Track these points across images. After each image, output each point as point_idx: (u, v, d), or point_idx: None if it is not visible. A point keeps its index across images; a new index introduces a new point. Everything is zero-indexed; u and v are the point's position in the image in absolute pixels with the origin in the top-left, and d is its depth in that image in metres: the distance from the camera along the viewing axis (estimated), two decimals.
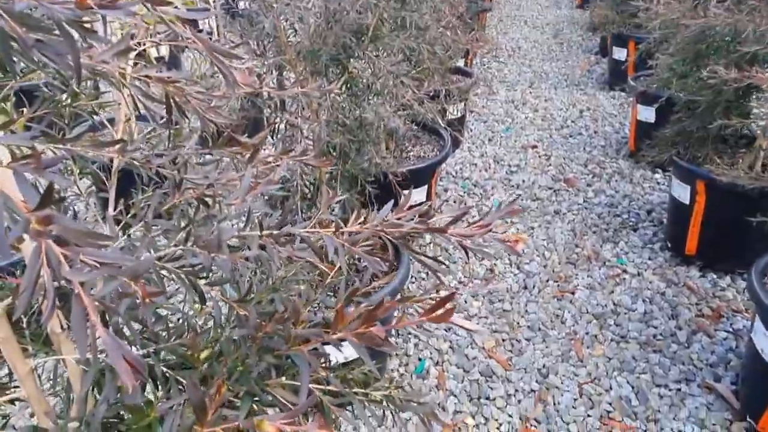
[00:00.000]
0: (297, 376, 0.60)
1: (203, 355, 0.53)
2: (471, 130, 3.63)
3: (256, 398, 0.58)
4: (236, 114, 1.35)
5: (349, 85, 1.46)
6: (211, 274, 0.57)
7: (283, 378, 0.60)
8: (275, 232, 0.54)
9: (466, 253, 0.62)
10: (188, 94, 0.61)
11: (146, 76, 0.59)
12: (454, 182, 3.02)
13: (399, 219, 0.61)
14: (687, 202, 2.20)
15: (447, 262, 2.38)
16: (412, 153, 2.41)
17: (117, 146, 0.53)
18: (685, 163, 2.17)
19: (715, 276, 2.23)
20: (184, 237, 0.53)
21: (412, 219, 0.61)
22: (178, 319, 0.62)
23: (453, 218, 0.62)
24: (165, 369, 0.61)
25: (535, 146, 3.39)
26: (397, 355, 1.92)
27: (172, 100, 0.60)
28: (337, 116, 1.31)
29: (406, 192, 2.27)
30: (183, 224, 0.56)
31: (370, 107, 1.24)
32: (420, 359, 1.90)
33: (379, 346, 0.48)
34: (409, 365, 1.88)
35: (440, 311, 0.55)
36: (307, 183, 1.49)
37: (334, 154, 1.34)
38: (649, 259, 2.35)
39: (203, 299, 0.57)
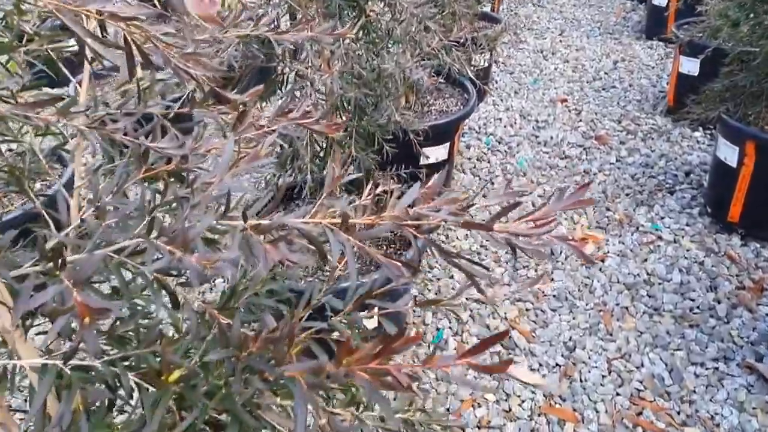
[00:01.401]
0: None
1: (173, 377, 0.42)
2: (496, 82, 3.41)
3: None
4: (237, 63, 1.20)
5: (366, 31, 1.29)
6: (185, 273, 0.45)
7: (277, 399, 0.48)
8: (263, 222, 0.41)
9: (514, 252, 0.49)
10: (154, 36, 0.47)
11: (98, 12, 0.45)
12: (477, 138, 2.84)
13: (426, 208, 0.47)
14: (734, 164, 2.01)
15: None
16: (434, 107, 2.24)
17: (55, 107, 0.40)
18: (734, 122, 1.97)
19: (758, 245, 2.07)
20: (146, 227, 0.41)
21: (440, 210, 0.48)
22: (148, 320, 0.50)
23: (499, 212, 0.48)
24: (136, 380, 0.49)
25: (564, 100, 3.17)
26: (414, 323, 1.82)
27: (133, 45, 0.46)
28: (353, 66, 1.16)
29: (426, 150, 2.10)
30: (147, 207, 0.43)
31: (390, 56, 1.08)
32: (438, 329, 1.80)
33: (398, 390, 0.35)
34: (427, 335, 1.78)
35: (494, 362, 0.42)
36: (320, 140, 1.35)
37: (349, 108, 1.19)
38: (687, 225, 2.19)
39: (176, 304, 0.45)
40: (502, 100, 3.20)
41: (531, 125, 2.94)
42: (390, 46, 1.17)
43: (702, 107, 2.08)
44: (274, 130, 0.50)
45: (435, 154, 2.18)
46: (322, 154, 1.38)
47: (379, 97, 1.15)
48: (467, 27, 1.80)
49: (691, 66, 2.70)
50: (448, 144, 2.20)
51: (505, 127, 2.94)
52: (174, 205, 0.43)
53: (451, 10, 1.61)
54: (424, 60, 1.49)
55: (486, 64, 3.03)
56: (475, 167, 2.60)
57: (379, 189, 0.67)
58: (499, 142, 2.81)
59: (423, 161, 2.17)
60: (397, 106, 1.13)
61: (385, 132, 1.35)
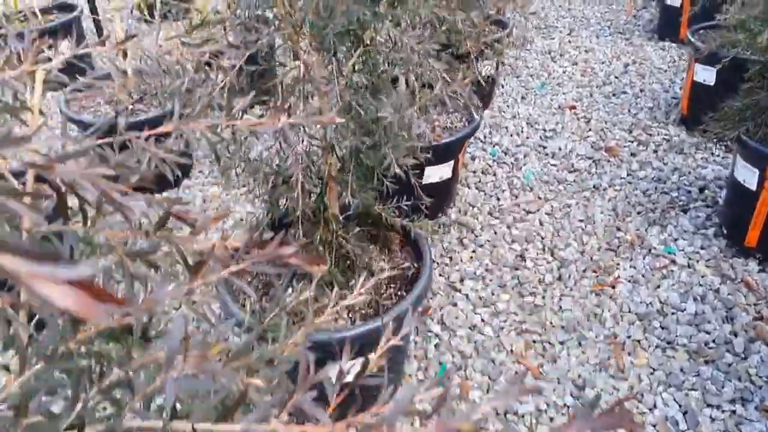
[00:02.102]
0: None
1: None
2: (502, 87, 3.30)
3: None
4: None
5: (365, 62, 1.19)
6: None
7: None
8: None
9: None
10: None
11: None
12: (483, 148, 2.74)
13: None
14: (753, 187, 1.91)
15: (473, 245, 2.16)
16: (437, 123, 2.14)
17: None
18: (755, 144, 1.87)
19: None
20: None
21: None
22: None
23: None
24: None
25: (573, 107, 3.06)
26: (416, 356, 1.74)
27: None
28: (350, 106, 1.06)
29: (429, 169, 2.00)
30: None
31: (389, 101, 0.99)
32: (441, 363, 1.72)
33: None
34: (429, 369, 1.70)
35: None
36: (312, 175, 1.26)
37: (345, 154, 1.10)
38: (702, 248, 2.09)
39: None
40: (508, 106, 3.09)
41: (538, 134, 2.84)
42: (387, 84, 1.08)
43: (720, 125, 1.98)
44: (243, 270, 0.42)
45: (438, 173, 2.09)
46: (312, 210, 1.29)
47: (378, 143, 1.06)
48: (474, 45, 1.70)
49: (707, 75, 2.58)
50: (452, 162, 2.11)
51: (511, 136, 2.84)
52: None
53: (456, 29, 1.50)
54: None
55: (492, 70, 2.91)
56: (480, 181, 2.51)
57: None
58: (506, 153, 2.71)
59: (426, 180, 2.08)
60: (398, 154, 1.04)
61: (386, 169, 1.26)
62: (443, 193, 2.22)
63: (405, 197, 1.49)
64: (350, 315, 1.37)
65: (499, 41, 2.33)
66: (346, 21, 0.99)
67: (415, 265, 1.51)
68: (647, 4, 4.32)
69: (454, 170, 2.17)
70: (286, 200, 1.29)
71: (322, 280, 1.36)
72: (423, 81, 1.14)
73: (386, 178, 1.31)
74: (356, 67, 1.14)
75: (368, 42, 1.16)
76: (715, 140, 2.10)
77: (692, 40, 2.64)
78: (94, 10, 3.73)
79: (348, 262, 1.44)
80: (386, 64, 1.20)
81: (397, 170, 1.03)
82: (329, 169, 1.27)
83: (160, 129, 0.54)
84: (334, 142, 1.06)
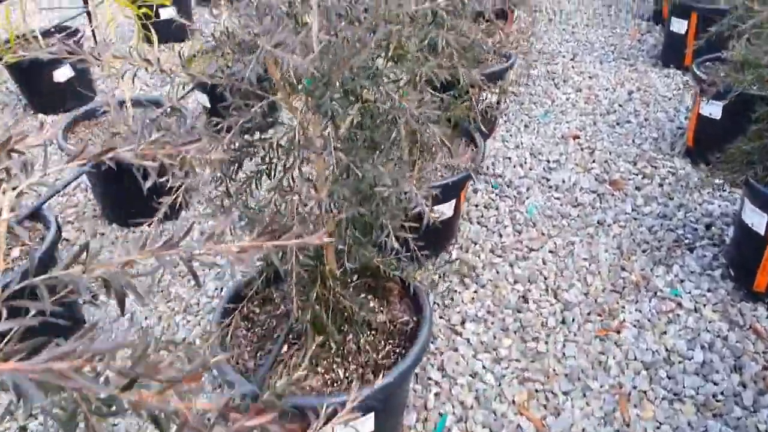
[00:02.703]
0: None
1: None
2: (505, 114, 3.27)
3: None
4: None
5: (362, 115, 1.16)
6: None
7: None
8: None
9: None
10: None
11: None
12: (485, 180, 2.70)
13: None
14: (762, 232, 1.87)
15: (475, 285, 2.12)
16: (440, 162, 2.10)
17: None
18: (764, 188, 1.83)
19: None
20: None
21: None
22: None
23: None
24: None
25: (577, 136, 3.02)
26: (415, 406, 1.69)
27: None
28: (348, 172, 1.03)
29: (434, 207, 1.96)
30: None
31: (387, 169, 0.95)
32: (441, 414, 1.67)
33: None
34: (429, 421, 1.66)
35: None
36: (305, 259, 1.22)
37: (341, 225, 1.07)
38: (709, 290, 2.05)
39: None
40: (511, 135, 3.06)
41: (542, 165, 2.80)
42: (382, 152, 1.04)
43: (728, 167, 1.94)
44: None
45: (439, 211, 2.05)
46: (312, 254, 1.25)
47: (375, 212, 1.02)
48: (476, 92, 1.68)
49: (713, 109, 2.55)
50: (453, 201, 2.07)
51: (514, 167, 2.81)
52: None
53: (459, 76, 1.47)
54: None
55: (495, 100, 2.88)
56: (482, 216, 2.47)
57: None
58: (508, 186, 2.67)
59: (425, 221, 2.04)
60: (395, 226, 1.00)
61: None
62: (444, 231, 2.18)
63: (404, 248, 1.46)
64: (347, 375, 1.32)
65: (502, 75, 2.30)
66: (341, 90, 0.96)
67: (414, 318, 1.47)
68: (651, 28, 4.30)
69: (456, 208, 2.13)
70: (281, 256, 1.25)
71: (318, 337, 1.32)
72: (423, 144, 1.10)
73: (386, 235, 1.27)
74: (354, 121, 1.11)
75: (366, 99, 1.13)
76: (722, 182, 2.06)
77: (698, 73, 2.61)
78: (94, 32, 3.72)
79: (345, 314, 1.40)
80: (384, 121, 1.17)
81: (395, 244, 1.00)
82: (326, 228, 1.23)
83: None
84: (332, 208, 1.02)
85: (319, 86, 0.93)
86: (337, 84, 0.95)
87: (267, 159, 1.17)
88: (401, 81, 1.12)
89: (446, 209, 2.07)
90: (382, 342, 1.41)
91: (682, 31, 3.49)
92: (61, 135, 2.39)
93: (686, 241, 2.29)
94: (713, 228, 2.34)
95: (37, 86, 3.48)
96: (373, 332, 1.43)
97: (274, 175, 1.19)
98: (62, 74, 3.39)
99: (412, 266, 1.48)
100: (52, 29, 3.65)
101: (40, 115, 3.55)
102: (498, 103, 2.05)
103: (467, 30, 1.28)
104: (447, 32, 1.05)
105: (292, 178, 1.01)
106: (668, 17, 3.60)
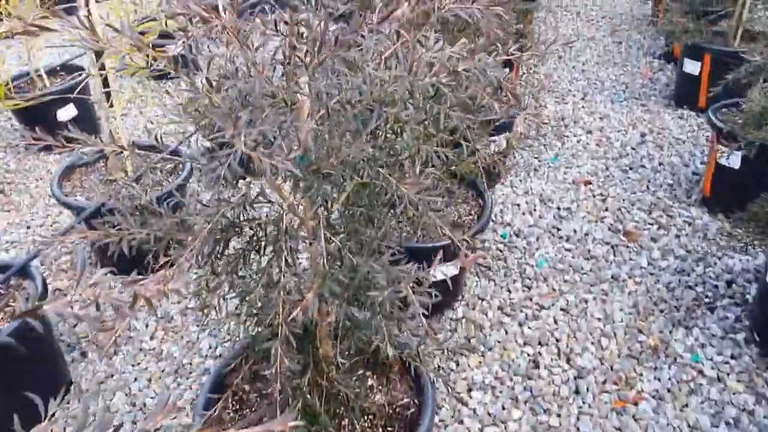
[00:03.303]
0: None
1: None
2: (513, 157, 3.18)
3: None
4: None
5: (357, 194, 1.07)
6: None
7: None
8: None
9: None
10: None
11: None
12: (493, 229, 2.60)
13: None
14: None
15: (482, 347, 2.00)
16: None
17: None
18: None
19: None
20: None
21: None
22: None
23: None
24: None
25: (588, 182, 2.93)
26: None
27: None
28: (341, 261, 0.94)
29: (433, 269, 1.86)
30: None
31: (383, 264, 0.86)
32: None
33: None
34: None
35: None
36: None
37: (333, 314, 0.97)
38: (732, 357, 1.92)
39: None
40: (520, 180, 2.96)
41: (552, 213, 2.70)
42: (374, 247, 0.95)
43: (749, 228, 1.83)
44: None
45: (445, 271, 1.95)
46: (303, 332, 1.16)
47: (369, 314, 0.93)
48: (482, 161, 1.60)
49: (732, 159, 2.44)
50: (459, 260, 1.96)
51: (523, 215, 2.71)
52: None
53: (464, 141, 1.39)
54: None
55: (504, 143, 2.80)
56: (489, 269, 2.36)
57: None
58: (517, 235, 2.57)
59: (435, 278, 1.94)
60: (391, 331, 0.90)
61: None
62: (450, 288, 2.07)
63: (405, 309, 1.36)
64: None
65: (509, 127, 2.22)
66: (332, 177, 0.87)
67: (416, 401, 1.36)
68: (663, 67, 4.22)
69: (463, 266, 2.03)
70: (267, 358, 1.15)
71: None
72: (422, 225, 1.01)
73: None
74: (349, 199, 1.02)
75: (361, 180, 1.04)
76: (745, 244, 1.95)
77: (714, 120, 2.52)
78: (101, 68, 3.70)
79: (340, 397, 1.29)
80: (381, 202, 1.08)
81: (390, 352, 0.90)
82: (318, 313, 1.14)
83: None
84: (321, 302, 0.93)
85: (308, 176, 0.84)
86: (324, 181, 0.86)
87: (254, 238, 1.08)
88: (400, 156, 1.04)
89: (451, 268, 1.96)
90: (380, 429, 1.30)
91: (696, 73, 3.40)
92: (56, 182, 2.33)
93: (706, 300, 2.17)
94: (734, 285, 2.22)
95: (41, 125, 3.44)
96: (370, 417, 1.33)
97: (263, 254, 1.10)
98: (66, 113, 3.36)
99: (415, 334, 1.37)
100: (58, 68, 3.64)
101: (42, 154, 3.51)
102: (505, 156, 1.97)
103: (472, 95, 1.20)
104: (450, 108, 0.97)
105: (279, 268, 0.92)
106: (681, 58, 3.53)
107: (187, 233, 0.95)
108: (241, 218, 1.04)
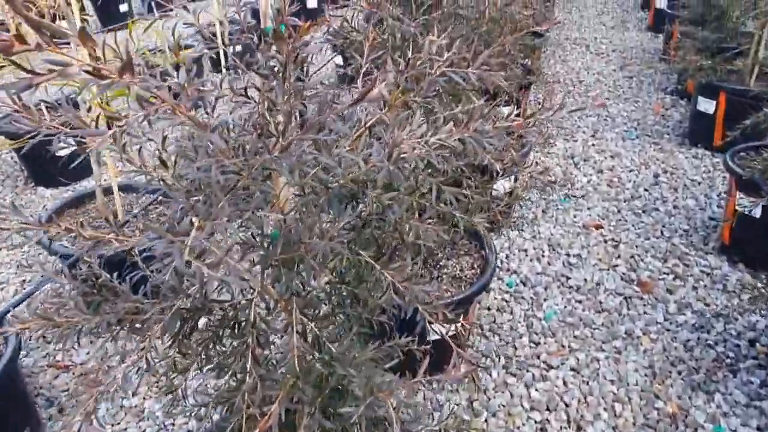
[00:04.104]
0: None
1: None
2: (522, 199, 3.06)
3: None
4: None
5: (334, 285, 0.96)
6: None
7: None
8: None
9: None
10: None
11: None
12: (499, 277, 2.47)
13: None
14: None
15: (485, 412, 1.86)
16: (445, 270, 1.89)
17: None
18: None
19: None
20: None
21: None
22: None
23: None
24: None
25: (599, 226, 2.80)
26: None
27: None
28: (316, 345, 0.82)
29: (435, 326, 1.74)
30: None
31: (363, 361, 0.74)
32: None
33: None
34: None
35: None
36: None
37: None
38: (758, 429, 1.76)
39: None
40: (527, 223, 2.84)
41: (561, 260, 2.57)
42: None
43: None
44: None
45: (443, 330, 1.81)
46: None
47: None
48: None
49: (752, 206, 2.31)
50: (461, 318, 1.84)
51: (531, 261, 2.58)
52: None
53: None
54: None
55: (510, 188, 2.69)
56: (494, 321, 2.22)
57: None
58: (524, 284, 2.43)
59: (431, 337, 1.81)
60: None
61: None
62: (450, 347, 1.94)
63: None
64: None
65: (516, 169, 2.11)
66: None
67: None
68: (676, 103, 4.11)
69: (465, 319, 1.90)
70: None
71: None
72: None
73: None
74: (328, 287, 0.90)
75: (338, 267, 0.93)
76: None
77: (732, 165, 2.39)
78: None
79: None
80: (365, 286, 0.97)
81: None
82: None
83: None
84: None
85: (275, 269, 0.73)
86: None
87: (226, 318, 0.97)
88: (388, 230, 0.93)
89: (452, 327, 1.83)
90: None
91: (710, 111, 3.29)
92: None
93: (728, 361, 2.01)
94: (758, 344, 2.07)
95: (39, 159, 3.39)
96: None
97: (238, 333, 0.98)
98: (64, 149, 3.30)
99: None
100: (57, 101, 3.60)
101: (40, 188, 3.44)
102: (509, 206, 1.86)
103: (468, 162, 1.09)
104: (446, 182, 0.86)
105: (245, 367, 0.80)
106: (694, 96, 3.42)
107: (144, 323, 0.84)
108: (208, 298, 0.93)
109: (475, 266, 1.91)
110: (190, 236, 0.58)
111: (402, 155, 0.64)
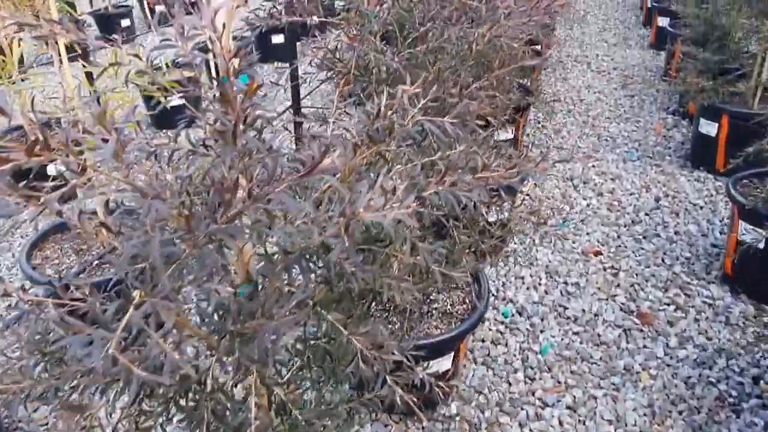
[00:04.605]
0: None
1: None
2: (517, 223, 2.99)
3: None
4: None
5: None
6: None
7: None
8: None
9: None
10: None
11: None
12: (494, 306, 2.40)
13: None
14: None
15: None
16: (435, 305, 1.82)
17: None
18: None
19: None
20: None
21: None
22: None
23: None
24: None
25: (599, 252, 2.73)
26: None
27: None
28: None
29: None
30: None
31: None
32: None
33: None
34: None
35: None
36: None
37: None
38: None
39: None
40: (525, 249, 2.77)
41: (559, 289, 2.50)
42: None
43: None
44: None
45: (435, 367, 1.75)
46: None
47: None
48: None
49: (755, 236, 2.24)
50: (451, 354, 1.77)
51: (527, 289, 2.50)
52: None
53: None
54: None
55: (506, 216, 2.62)
56: (488, 354, 2.15)
57: None
58: (520, 314, 2.36)
59: (418, 377, 1.74)
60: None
61: None
62: (441, 382, 1.86)
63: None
64: None
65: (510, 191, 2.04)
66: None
67: None
68: (678, 123, 4.05)
69: (455, 360, 1.83)
70: None
71: None
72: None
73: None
74: (293, 361, 0.84)
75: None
76: None
77: (735, 194, 2.32)
78: None
79: None
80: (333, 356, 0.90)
81: None
82: None
83: None
84: None
85: (227, 336, 0.67)
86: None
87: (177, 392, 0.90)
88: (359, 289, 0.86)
89: (443, 363, 1.77)
90: None
91: (713, 134, 3.23)
92: (26, 251, 2.19)
93: (730, 400, 1.93)
94: (762, 382, 1.99)
95: (30, 179, 3.35)
96: None
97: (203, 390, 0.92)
98: (55, 168, 3.26)
99: None
100: (52, 121, 3.57)
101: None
102: (502, 240, 1.80)
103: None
104: (426, 229, 0.80)
105: None
106: (696, 118, 3.36)
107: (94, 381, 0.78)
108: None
109: (467, 300, 1.84)
110: (122, 323, 0.52)
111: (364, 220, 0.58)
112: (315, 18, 1.18)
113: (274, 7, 1.26)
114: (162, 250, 0.57)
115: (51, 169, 3.27)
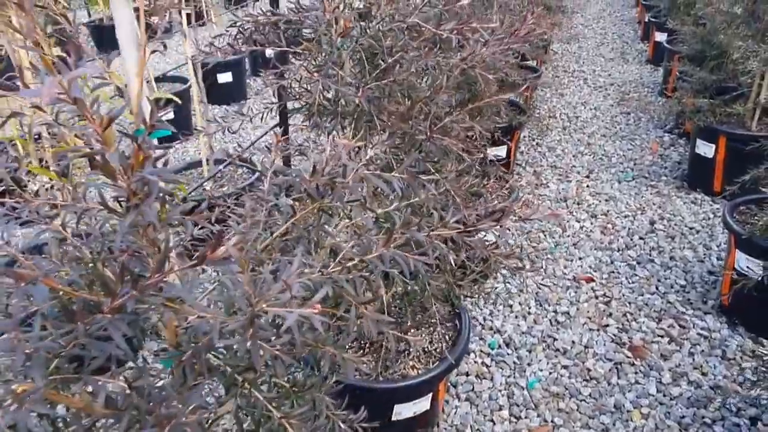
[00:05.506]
0: None
1: None
2: (507, 244, 2.90)
3: None
4: None
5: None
6: None
7: None
8: None
9: None
10: None
11: None
12: (480, 337, 2.31)
13: None
14: None
15: None
16: (414, 343, 1.72)
17: None
18: None
19: None
20: None
21: None
22: None
23: None
24: None
25: (590, 279, 2.63)
26: None
27: None
28: None
29: (399, 407, 1.58)
30: None
31: None
32: None
33: None
34: None
35: None
36: None
37: None
38: None
39: None
40: (514, 276, 2.68)
41: (548, 318, 2.40)
42: None
43: None
44: None
45: (412, 409, 1.65)
46: None
47: None
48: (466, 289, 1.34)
49: (752, 265, 2.15)
50: (430, 395, 1.67)
51: (516, 318, 2.41)
52: None
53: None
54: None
55: (497, 234, 2.53)
56: (473, 389, 2.05)
57: None
58: (507, 345, 2.27)
59: (395, 418, 1.65)
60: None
61: None
62: (421, 424, 1.77)
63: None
64: None
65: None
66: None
67: None
68: (675, 142, 3.97)
69: (434, 400, 1.73)
70: None
71: None
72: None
73: None
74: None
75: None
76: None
77: (731, 222, 2.23)
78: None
79: None
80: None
81: None
82: None
83: None
84: None
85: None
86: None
87: None
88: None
89: (422, 404, 1.67)
90: None
91: (710, 155, 3.14)
92: None
93: None
94: (760, 423, 1.89)
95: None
96: None
97: None
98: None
99: None
100: (37, 136, 3.49)
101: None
102: (485, 276, 1.71)
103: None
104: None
105: None
106: (693, 139, 3.27)
107: None
108: None
109: (447, 337, 1.74)
110: None
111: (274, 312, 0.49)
112: (274, 49, 1.10)
113: (236, 36, 1.18)
114: (38, 344, 0.48)
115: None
